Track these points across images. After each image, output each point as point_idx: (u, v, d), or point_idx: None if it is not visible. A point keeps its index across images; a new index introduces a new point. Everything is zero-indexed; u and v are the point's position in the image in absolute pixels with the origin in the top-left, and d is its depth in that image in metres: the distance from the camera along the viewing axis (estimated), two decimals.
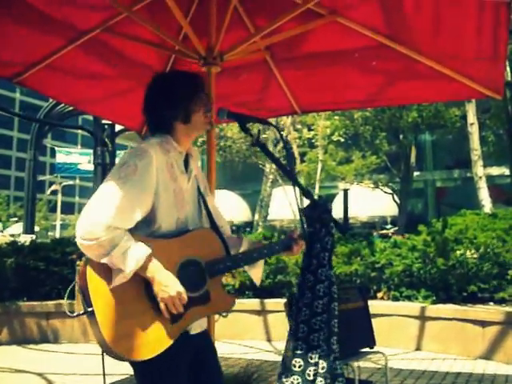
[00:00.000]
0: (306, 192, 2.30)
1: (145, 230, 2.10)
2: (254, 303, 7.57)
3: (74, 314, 2.04)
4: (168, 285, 2.00)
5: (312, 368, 2.21)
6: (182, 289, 2.02)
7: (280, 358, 2.42)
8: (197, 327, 2.24)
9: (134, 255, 1.95)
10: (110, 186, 2.00)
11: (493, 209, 12.76)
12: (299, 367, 2.24)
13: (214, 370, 2.36)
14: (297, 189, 2.30)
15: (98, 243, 1.91)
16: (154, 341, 2.02)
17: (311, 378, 2.19)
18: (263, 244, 2.51)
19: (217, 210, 2.51)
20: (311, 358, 2.23)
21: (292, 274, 7.60)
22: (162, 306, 2.01)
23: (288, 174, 2.33)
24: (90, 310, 1.96)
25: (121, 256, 1.93)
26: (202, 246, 2.19)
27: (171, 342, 2.04)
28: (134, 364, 2.10)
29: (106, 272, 1.98)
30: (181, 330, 2.08)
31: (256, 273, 2.51)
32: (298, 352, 2.27)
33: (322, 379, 2.19)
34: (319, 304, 2.26)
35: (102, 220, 1.92)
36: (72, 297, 2.45)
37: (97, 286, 1.97)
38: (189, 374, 2.20)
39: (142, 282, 2.02)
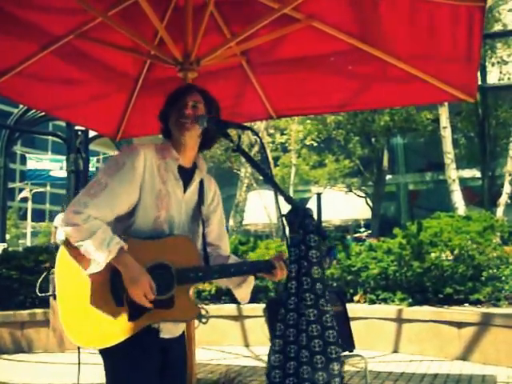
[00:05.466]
0: (287, 197, 2.28)
1: (125, 222, 2.18)
2: (231, 309, 7.53)
3: (41, 294, 2.16)
4: (139, 280, 2.05)
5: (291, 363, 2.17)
6: (151, 285, 2.06)
7: (258, 364, 2.39)
8: (166, 332, 2.24)
9: (109, 246, 2.02)
10: (97, 181, 2.13)
11: (466, 211, 12.90)
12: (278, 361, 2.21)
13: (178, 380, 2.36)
14: (277, 194, 2.28)
15: (76, 229, 2.03)
16: (108, 334, 2.07)
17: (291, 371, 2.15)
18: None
19: (221, 228, 2.51)
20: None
21: (268, 279, 7.57)
22: (134, 298, 2.06)
23: (269, 179, 2.31)
24: (56, 293, 2.07)
25: (96, 245, 2.01)
26: (178, 252, 2.20)
27: (124, 337, 2.07)
28: (101, 353, 2.17)
29: (76, 259, 2.08)
30: (136, 328, 2.10)
31: (241, 292, 2.45)
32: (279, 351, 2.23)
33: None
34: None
35: (84, 209, 2.04)
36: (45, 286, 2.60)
37: (63, 271, 2.10)
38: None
39: (107, 274, 2.07)
